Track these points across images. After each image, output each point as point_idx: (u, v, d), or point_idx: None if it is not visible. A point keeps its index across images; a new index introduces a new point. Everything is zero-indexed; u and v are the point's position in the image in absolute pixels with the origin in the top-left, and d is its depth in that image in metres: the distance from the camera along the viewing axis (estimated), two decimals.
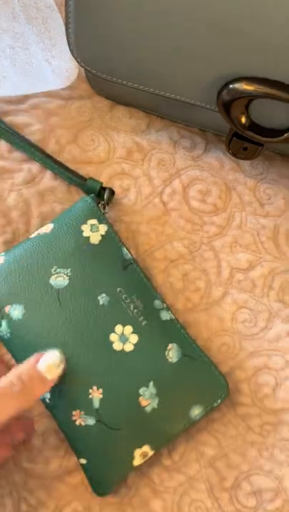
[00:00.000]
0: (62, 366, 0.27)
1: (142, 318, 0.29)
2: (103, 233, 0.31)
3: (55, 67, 0.36)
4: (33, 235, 0.31)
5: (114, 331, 0.29)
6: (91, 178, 0.33)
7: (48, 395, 0.29)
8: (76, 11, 0.29)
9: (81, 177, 0.34)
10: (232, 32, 0.27)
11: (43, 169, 0.34)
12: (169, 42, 0.28)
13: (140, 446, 0.28)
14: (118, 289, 0.30)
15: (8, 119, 0.35)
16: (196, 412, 0.29)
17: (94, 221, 0.31)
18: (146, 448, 0.29)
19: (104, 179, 0.35)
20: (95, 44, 0.30)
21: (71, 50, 0.32)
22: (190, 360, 0.30)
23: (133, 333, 0.29)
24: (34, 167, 0.34)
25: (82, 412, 0.28)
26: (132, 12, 0.28)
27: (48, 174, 0.34)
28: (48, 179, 0.34)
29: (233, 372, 0.32)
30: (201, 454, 0.31)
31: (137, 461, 0.29)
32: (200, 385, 0.29)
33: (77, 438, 0.28)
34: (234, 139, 0.32)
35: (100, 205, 0.32)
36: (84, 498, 0.30)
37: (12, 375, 0.26)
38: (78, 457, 0.29)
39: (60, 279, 0.29)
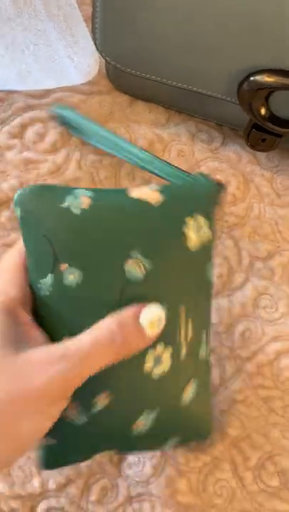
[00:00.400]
0: (162, 324, 0.23)
1: (185, 348, 0.25)
2: (205, 240, 0.25)
3: (77, 63, 0.37)
4: (134, 193, 0.25)
5: (155, 348, 0.24)
6: (201, 174, 0.27)
7: None
8: (103, 7, 0.30)
9: (188, 173, 0.30)
10: (255, 26, 0.28)
11: (68, 160, 0.35)
12: (195, 36, 0.29)
13: (107, 449, 0.26)
14: (181, 308, 0.24)
15: (32, 113, 0.36)
16: (172, 442, 0.27)
17: (202, 220, 0.25)
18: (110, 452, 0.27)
19: (126, 169, 0.36)
20: (121, 40, 0.32)
21: (96, 46, 0.33)
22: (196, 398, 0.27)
23: (170, 356, 0.24)
24: (58, 158, 0.35)
25: (79, 408, 0.24)
26: (159, 7, 0.29)
27: (73, 165, 0.35)
28: (72, 170, 0.35)
29: (255, 356, 0.33)
30: (225, 435, 0.32)
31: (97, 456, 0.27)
32: (189, 417, 0.27)
33: (58, 430, 0.24)
34: (253, 130, 0.33)
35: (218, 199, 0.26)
36: (112, 474, 0.31)
37: (114, 324, 0.22)
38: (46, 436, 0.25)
39: (136, 269, 0.23)
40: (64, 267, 0.23)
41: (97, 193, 0.24)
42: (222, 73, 0.31)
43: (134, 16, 0.30)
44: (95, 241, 0.23)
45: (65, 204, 0.24)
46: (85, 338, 0.22)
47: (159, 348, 0.24)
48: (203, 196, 0.25)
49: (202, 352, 0.26)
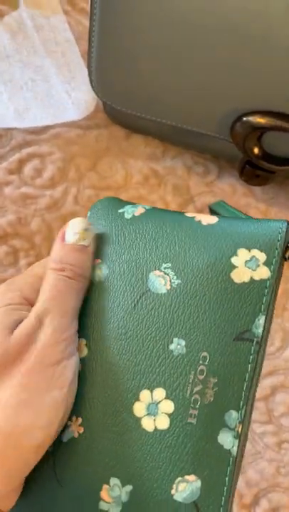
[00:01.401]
0: (92, 228, 0.24)
1: (194, 411, 0.19)
2: (257, 278, 0.20)
3: (74, 99, 0.38)
4: (191, 214, 0.24)
5: (151, 389, 0.20)
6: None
7: None
8: (98, 47, 0.31)
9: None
10: (246, 68, 0.28)
11: (65, 194, 0.36)
12: (188, 77, 0.30)
13: None
14: (203, 354, 0.20)
15: (30, 149, 0.36)
16: None
17: (261, 255, 0.21)
18: None
19: None
20: (115, 79, 0.32)
21: (91, 84, 0.34)
22: None
23: (167, 415, 0.20)
24: (56, 193, 0.36)
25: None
26: (153, 48, 0.29)
27: (70, 199, 0.36)
28: (69, 204, 0.36)
29: None
30: None
31: None
32: None
33: None
34: (247, 166, 0.34)
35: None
36: None
37: (52, 265, 0.22)
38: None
39: (160, 282, 0.21)
40: (96, 262, 0.23)
41: (156, 209, 0.25)
42: (215, 113, 0.31)
43: (129, 56, 0.31)
44: (131, 245, 0.23)
45: (122, 210, 0.25)
46: (46, 295, 0.22)
47: (158, 392, 0.20)
48: (269, 234, 0.21)
49: (224, 438, 0.19)
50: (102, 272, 0.23)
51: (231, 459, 0.19)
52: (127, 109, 0.33)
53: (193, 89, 0.31)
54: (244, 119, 0.30)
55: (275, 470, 0.32)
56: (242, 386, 0.19)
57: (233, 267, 0.21)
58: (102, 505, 0.20)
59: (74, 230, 0.23)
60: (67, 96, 0.38)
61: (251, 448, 0.32)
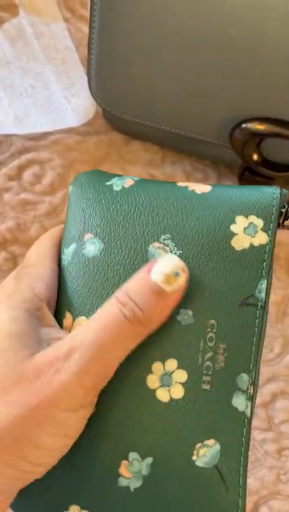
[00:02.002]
0: (184, 277, 0.19)
1: (207, 378, 0.20)
2: (256, 244, 0.21)
3: (74, 105, 0.38)
4: (183, 184, 0.23)
5: (162, 361, 0.20)
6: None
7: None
8: (97, 54, 0.31)
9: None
10: (245, 75, 0.29)
11: (64, 201, 0.36)
12: (186, 84, 0.30)
13: (81, 507, 0.21)
14: (211, 322, 0.20)
15: (30, 155, 0.36)
16: None
17: (259, 221, 0.21)
18: None
19: None
20: (114, 85, 0.32)
21: (91, 92, 0.34)
22: (216, 480, 0.20)
23: (181, 384, 0.20)
24: (55, 199, 0.36)
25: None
26: (152, 55, 0.30)
27: None
28: None
29: None
30: None
31: None
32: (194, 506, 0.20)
33: None
34: (246, 173, 0.34)
35: (283, 210, 0.22)
36: None
37: (120, 295, 0.19)
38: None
39: (159, 253, 0.21)
40: (88, 236, 0.22)
41: (146, 180, 0.24)
42: (214, 120, 0.31)
43: (127, 63, 0.31)
44: (125, 217, 0.22)
45: (110, 182, 0.24)
46: (90, 325, 0.18)
47: (170, 363, 0.20)
48: (264, 199, 0.21)
49: (238, 401, 0.20)
50: (96, 246, 0.22)
51: (246, 420, 0.20)
52: (126, 116, 0.33)
53: (192, 95, 0.31)
54: (243, 125, 0.30)
55: (275, 477, 0.32)
56: (250, 349, 0.20)
57: (233, 234, 0.21)
58: (122, 482, 0.20)
59: (162, 269, 0.19)
60: (67, 102, 0.38)
61: (251, 455, 0.32)
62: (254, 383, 0.20)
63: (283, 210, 0.22)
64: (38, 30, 0.40)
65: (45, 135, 0.37)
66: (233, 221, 0.21)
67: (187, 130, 0.33)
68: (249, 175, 0.34)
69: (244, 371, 0.20)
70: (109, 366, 0.19)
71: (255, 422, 0.32)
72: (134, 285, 0.19)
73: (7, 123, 0.36)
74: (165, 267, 0.19)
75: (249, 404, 0.20)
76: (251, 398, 0.20)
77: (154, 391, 0.20)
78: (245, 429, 0.20)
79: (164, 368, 0.20)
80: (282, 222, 0.22)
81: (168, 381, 0.20)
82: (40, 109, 0.38)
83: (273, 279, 0.35)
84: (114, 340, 0.18)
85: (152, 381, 0.20)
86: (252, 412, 0.20)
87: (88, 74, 0.33)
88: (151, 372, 0.20)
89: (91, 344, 0.18)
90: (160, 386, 0.20)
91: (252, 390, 0.20)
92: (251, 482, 0.32)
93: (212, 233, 0.21)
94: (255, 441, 0.32)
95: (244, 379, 0.20)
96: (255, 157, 0.31)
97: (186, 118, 0.32)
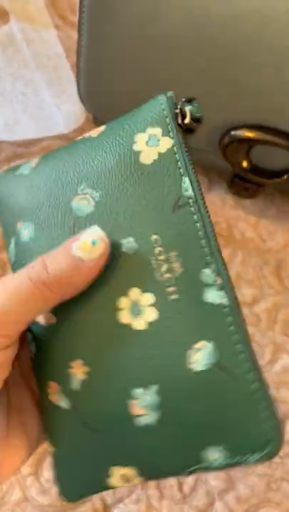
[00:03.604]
0: (102, 245, 0.19)
1: (172, 288, 0.20)
2: (163, 150, 0.21)
3: (65, 112, 0.38)
4: (78, 138, 0.24)
5: (126, 295, 0.20)
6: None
7: (33, 348, 0.22)
8: (86, 64, 0.31)
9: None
10: (234, 83, 0.29)
11: None
12: (175, 92, 0.30)
13: (121, 465, 0.21)
14: (154, 237, 0.20)
15: (20, 162, 0.36)
16: (213, 455, 0.19)
17: (156, 130, 0.21)
18: (129, 471, 0.21)
19: None
20: (103, 94, 0.33)
21: (81, 98, 0.34)
22: (223, 377, 0.19)
23: (152, 306, 0.20)
24: None
25: (59, 388, 0.21)
26: (139, 64, 0.30)
27: None
28: None
29: None
30: (210, 487, 0.31)
31: (115, 481, 0.21)
32: (229, 420, 0.19)
33: (50, 417, 0.22)
34: (236, 179, 0.34)
35: (177, 111, 0.21)
36: None
37: (34, 261, 0.19)
38: (49, 441, 0.22)
39: (83, 203, 0.21)
40: (19, 225, 0.23)
41: (48, 153, 0.24)
42: (203, 127, 0.31)
43: (116, 70, 0.31)
44: (42, 191, 0.22)
45: (19, 171, 0.24)
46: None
47: (133, 293, 0.20)
48: (155, 109, 0.21)
49: (210, 295, 0.19)
50: (29, 228, 0.22)
51: (226, 309, 0.19)
52: None
53: None
54: (232, 133, 0.30)
55: (265, 485, 0.31)
56: (200, 245, 0.20)
57: (138, 152, 0.21)
58: (140, 421, 0.20)
59: (81, 237, 0.19)
60: (57, 109, 0.38)
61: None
62: (220, 274, 0.20)
63: (177, 111, 0.21)
64: (28, 37, 0.40)
65: (35, 141, 0.37)
66: (133, 141, 0.21)
67: None
68: (239, 182, 0.34)
69: (203, 266, 0.20)
70: (13, 323, 0.19)
71: None
72: (52, 252, 0.19)
73: None
74: (83, 236, 0.19)
75: (223, 294, 0.19)
76: (223, 287, 0.19)
77: (130, 324, 0.20)
78: (230, 318, 0.19)
79: (130, 300, 0.20)
80: (183, 122, 0.21)
81: (138, 310, 0.20)
82: (31, 115, 0.38)
83: (264, 286, 0.35)
84: (14, 300, 0.19)
85: (124, 316, 0.20)
86: (234, 302, 0.19)
87: (77, 81, 0.33)
88: (119, 309, 0.20)
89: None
90: (133, 317, 0.20)
91: (221, 280, 0.19)
92: (241, 490, 0.31)
93: (120, 161, 0.21)
94: None
95: (207, 273, 0.20)
96: (244, 164, 0.31)
97: None
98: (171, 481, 0.31)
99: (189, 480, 0.31)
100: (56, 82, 0.39)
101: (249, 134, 0.30)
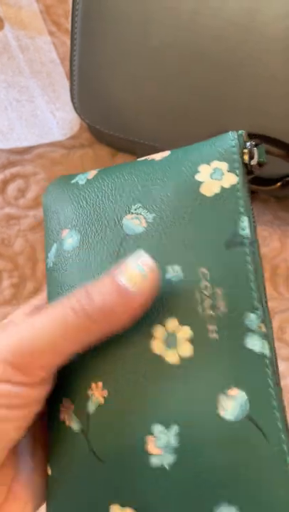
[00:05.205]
0: (153, 276, 0.18)
1: (213, 327, 0.19)
2: (227, 185, 0.20)
3: (59, 119, 0.38)
4: (141, 158, 0.24)
5: (162, 324, 0.19)
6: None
7: None
8: (79, 72, 0.31)
9: None
10: (228, 93, 0.29)
11: None
12: (168, 103, 0.30)
13: (121, 505, 0.19)
14: (202, 270, 0.19)
15: (15, 170, 0.36)
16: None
17: (222, 165, 0.21)
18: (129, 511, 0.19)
19: None
20: (96, 103, 0.33)
21: (74, 106, 0.34)
22: (254, 431, 0.18)
23: (188, 340, 0.19)
24: (40, 213, 0.36)
25: (72, 407, 0.20)
26: (131, 76, 0.30)
27: None
28: None
29: None
30: None
31: None
32: (251, 480, 0.17)
33: (55, 436, 0.21)
34: None
35: (245, 151, 0.21)
36: None
37: (78, 289, 0.18)
38: (49, 462, 0.21)
39: (135, 223, 0.21)
40: (64, 232, 0.22)
41: (107, 167, 0.24)
42: (197, 136, 0.31)
43: (109, 79, 0.31)
44: (95, 203, 0.22)
45: (75, 180, 0.24)
46: (38, 316, 0.18)
47: (171, 323, 0.19)
48: (224, 144, 0.21)
49: (252, 341, 0.18)
50: (74, 238, 0.22)
51: (267, 360, 0.18)
52: (108, 131, 0.33)
53: (175, 114, 0.31)
54: None
55: None
56: (249, 288, 0.19)
57: (200, 183, 0.21)
58: (153, 461, 0.18)
59: (128, 266, 0.18)
60: (52, 116, 0.38)
61: None
62: (265, 322, 0.18)
63: (246, 151, 0.21)
64: (23, 44, 0.40)
65: (30, 149, 0.37)
66: (196, 171, 0.21)
67: (172, 146, 0.33)
68: None
69: (249, 310, 0.18)
70: (53, 354, 0.18)
71: None
72: (97, 281, 0.18)
73: None
74: (131, 264, 0.18)
75: (265, 343, 0.18)
76: (266, 337, 0.18)
77: (161, 355, 0.19)
78: (269, 370, 0.18)
79: (166, 330, 0.19)
80: (250, 162, 0.21)
81: (173, 341, 0.19)
82: (25, 122, 0.38)
83: None
84: (56, 330, 0.17)
85: (157, 346, 0.19)
86: (273, 353, 0.18)
87: (71, 90, 0.33)
88: (153, 337, 0.19)
89: (31, 329, 0.18)
90: (166, 348, 0.19)
91: (265, 329, 0.18)
92: None
93: (179, 188, 0.21)
94: None
95: (251, 318, 0.18)
96: None
97: (170, 135, 0.32)
98: None
99: None
100: (51, 89, 0.39)
101: None
